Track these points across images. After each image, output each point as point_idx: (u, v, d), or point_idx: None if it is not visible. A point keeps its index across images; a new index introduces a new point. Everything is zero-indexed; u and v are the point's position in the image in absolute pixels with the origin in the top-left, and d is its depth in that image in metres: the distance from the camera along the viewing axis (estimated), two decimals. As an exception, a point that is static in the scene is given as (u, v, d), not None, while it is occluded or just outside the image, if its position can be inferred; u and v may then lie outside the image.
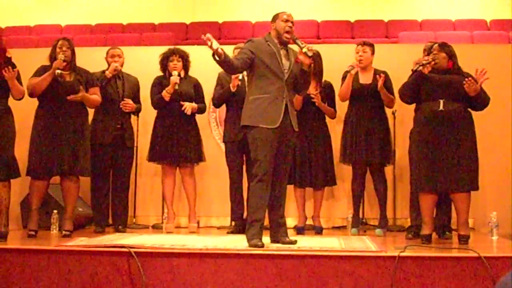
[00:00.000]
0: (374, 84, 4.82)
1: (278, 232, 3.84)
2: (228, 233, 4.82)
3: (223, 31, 8.24)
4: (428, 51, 4.34)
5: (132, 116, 5.22)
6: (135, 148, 5.25)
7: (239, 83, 4.80)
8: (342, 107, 5.08)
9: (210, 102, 5.36)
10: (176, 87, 4.94)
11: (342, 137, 4.97)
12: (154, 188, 5.62)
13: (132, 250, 3.34)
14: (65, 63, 4.39)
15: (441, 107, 4.03)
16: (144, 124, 5.47)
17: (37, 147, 4.37)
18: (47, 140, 4.35)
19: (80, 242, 3.78)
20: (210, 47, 3.51)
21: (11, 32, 8.31)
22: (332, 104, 5.08)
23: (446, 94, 4.04)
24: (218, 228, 5.39)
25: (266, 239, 3.77)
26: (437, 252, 3.55)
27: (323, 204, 5.17)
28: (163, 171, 5.10)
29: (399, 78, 4.49)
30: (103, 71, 5.00)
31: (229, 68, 3.82)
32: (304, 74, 3.85)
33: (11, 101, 4.19)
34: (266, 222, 3.83)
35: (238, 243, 3.78)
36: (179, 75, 5.00)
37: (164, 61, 5.07)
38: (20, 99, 4.23)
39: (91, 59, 5.11)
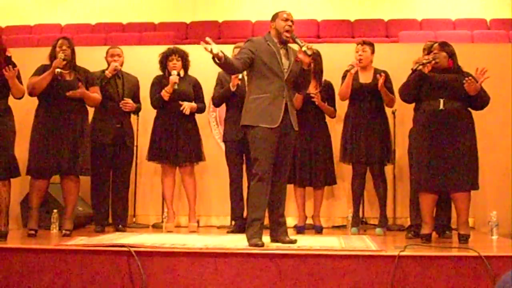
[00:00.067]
0: (374, 84, 4.82)
1: (278, 231, 3.84)
2: (228, 232, 4.82)
3: (223, 30, 8.23)
4: (428, 51, 4.33)
5: (132, 115, 5.21)
6: (135, 148, 5.25)
7: (239, 82, 4.79)
8: (342, 106, 5.08)
9: (210, 102, 5.35)
10: (176, 86, 4.94)
11: (342, 137, 4.97)
12: (154, 188, 5.62)
13: (132, 249, 3.34)
14: (65, 62, 4.39)
15: (441, 107, 4.03)
16: (144, 123, 5.47)
17: (37, 146, 4.37)
18: (47, 139, 4.36)
19: (80, 241, 3.78)
20: (211, 52, 3.50)
21: (11, 31, 8.30)
22: (332, 103, 5.08)
23: (446, 93, 4.04)
24: (218, 227, 5.40)
25: (266, 238, 3.76)
26: (437, 251, 3.56)
27: (323, 204, 5.16)
28: (163, 171, 5.10)
29: (399, 77, 4.48)
30: (103, 71, 4.99)
31: (229, 69, 3.83)
32: (304, 73, 3.85)
33: (11, 100, 4.19)
34: (266, 221, 3.83)
35: (238, 242, 3.77)
36: (178, 74, 5.00)
37: (164, 61, 5.07)
38: (20, 98, 4.22)
39: (91, 59, 5.10)
